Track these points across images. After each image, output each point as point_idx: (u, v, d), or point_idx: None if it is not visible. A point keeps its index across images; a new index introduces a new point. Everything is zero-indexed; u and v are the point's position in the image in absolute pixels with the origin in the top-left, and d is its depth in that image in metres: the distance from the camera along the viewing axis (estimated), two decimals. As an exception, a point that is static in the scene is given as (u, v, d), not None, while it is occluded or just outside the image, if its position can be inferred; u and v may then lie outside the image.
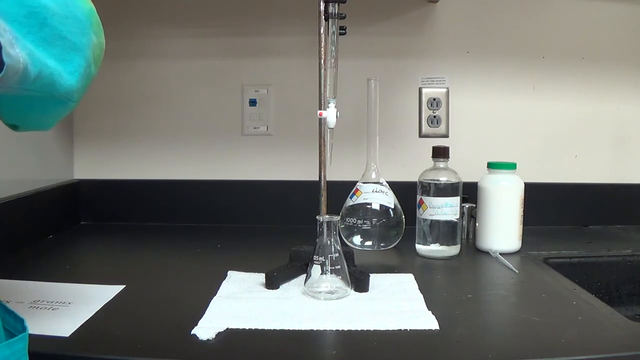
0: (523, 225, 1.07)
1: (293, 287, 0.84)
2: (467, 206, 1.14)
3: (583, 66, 1.31)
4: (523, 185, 1.06)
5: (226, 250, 1.10)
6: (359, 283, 0.82)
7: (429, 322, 0.70)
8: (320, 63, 0.88)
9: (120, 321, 0.71)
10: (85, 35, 0.54)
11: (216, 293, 0.80)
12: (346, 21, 0.88)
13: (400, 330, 0.67)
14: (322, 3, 0.86)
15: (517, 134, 1.31)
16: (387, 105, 1.25)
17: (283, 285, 0.84)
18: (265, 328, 0.68)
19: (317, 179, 0.92)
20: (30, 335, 0.61)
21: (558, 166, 1.32)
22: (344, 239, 1.08)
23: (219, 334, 0.65)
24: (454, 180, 1.02)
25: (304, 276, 0.82)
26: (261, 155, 1.32)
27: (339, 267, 0.80)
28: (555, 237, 1.19)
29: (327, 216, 0.81)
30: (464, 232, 1.15)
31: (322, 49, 0.88)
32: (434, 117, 1.31)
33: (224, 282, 0.85)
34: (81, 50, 0.53)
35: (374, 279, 0.84)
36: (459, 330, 0.68)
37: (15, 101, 0.52)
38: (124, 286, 0.83)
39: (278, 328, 0.68)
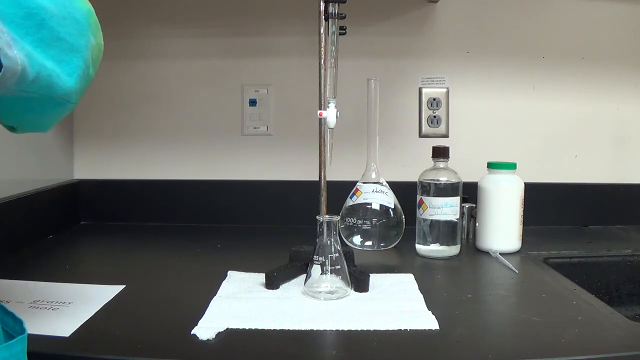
0: (523, 225, 1.07)
1: (293, 287, 0.84)
2: (467, 206, 1.14)
3: (583, 66, 1.31)
4: (523, 185, 1.06)
5: (226, 250, 1.10)
6: (359, 283, 0.82)
7: (429, 322, 0.70)
8: (320, 63, 0.88)
9: (120, 321, 0.71)
10: (83, 36, 0.54)
11: (216, 293, 0.80)
12: (346, 21, 0.88)
13: (400, 330, 0.67)
14: (322, 3, 0.86)
15: (517, 134, 1.31)
16: (387, 105, 1.25)
17: (283, 285, 0.84)
18: (265, 328, 0.68)
19: (317, 179, 0.92)
20: (30, 335, 0.61)
21: (558, 166, 1.32)
22: (344, 239, 1.08)
23: (219, 334, 0.65)
24: (454, 180, 1.02)
25: (304, 276, 0.82)
26: (261, 155, 1.32)
27: (339, 267, 0.80)
28: (555, 237, 1.19)
29: (327, 216, 0.81)
30: (464, 232, 1.15)
31: (322, 49, 0.88)
32: (434, 117, 1.31)
33: (224, 282, 0.85)
34: (79, 51, 0.53)
35: (374, 279, 0.84)
36: (459, 330, 0.68)
37: (13, 103, 0.52)
38: (124, 286, 0.83)
39: (278, 328, 0.68)
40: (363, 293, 0.81)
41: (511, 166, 1.06)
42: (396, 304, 0.76)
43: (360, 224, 1.07)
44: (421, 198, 1.03)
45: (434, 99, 1.30)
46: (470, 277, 0.96)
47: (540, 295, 0.82)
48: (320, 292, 0.79)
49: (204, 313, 0.72)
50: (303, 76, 1.21)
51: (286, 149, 1.31)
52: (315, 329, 0.68)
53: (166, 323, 0.71)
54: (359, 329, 0.67)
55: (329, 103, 0.88)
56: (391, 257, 1.05)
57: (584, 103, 1.31)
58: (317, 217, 0.82)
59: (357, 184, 1.11)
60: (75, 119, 1.32)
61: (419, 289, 0.83)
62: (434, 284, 0.89)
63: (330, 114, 0.87)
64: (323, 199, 0.91)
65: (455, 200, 1.02)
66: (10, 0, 0.46)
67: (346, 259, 0.82)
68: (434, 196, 1.01)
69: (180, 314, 0.73)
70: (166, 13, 1.30)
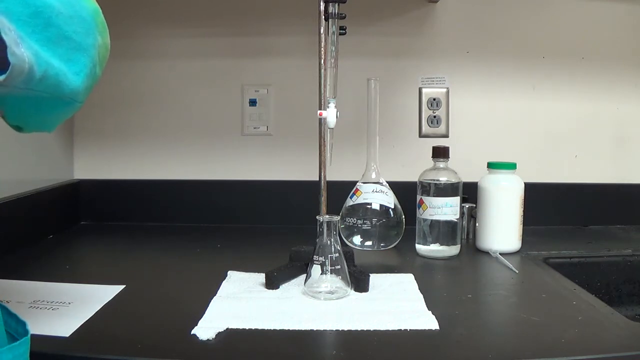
0: (523, 225, 1.07)
1: (293, 287, 0.84)
2: (467, 206, 1.14)
3: (583, 66, 1.31)
4: (523, 185, 1.06)
5: (226, 250, 1.10)
6: (359, 283, 0.82)
7: (429, 322, 0.70)
8: (320, 63, 0.88)
9: (120, 321, 0.71)
10: (90, 35, 0.54)
11: (216, 293, 0.80)
12: (346, 21, 0.88)
13: (400, 330, 0.67)
14: (322, 3, 0.86)
15: (517, 134, 1.31)
16: (387, 105, 1.25)
17: (283, 285, 0.84)
18: (265, 328, 0.68)
19: (317, 179, 0.92)
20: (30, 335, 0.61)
21: (558, 166, 1.32)
22: (344, 239, 1.08)
23: (219, 334, 0.65)
24: (454, 180, 1.02)
25: (304, 276, 0.82)
26: (261, 155, 1.32)
27: (339, 267, 0.80)
28: (555, 237, 1.19)
29: (327, 216, 0.81)
30: (464, 232, 1.15)
31: (322, 49, 0.88)
32: (434, 117, 1.31)
33: (224, 282, 0.85)
34: (86, 50, 0.53)
35: (374, 279, 0.84)
36: (459, 330, 0.68)
37: (21, 102, 0.52)
38: (124, 286, 0.83)
39: (278, 328, 0.68)
40: (363, 293, 0.81)
41: (511, 166, 1.06)
42: (396, 304, 0.76)
43: (360, 224, 1.07)
44: (421, 198, 1.03)
45: (434, 99, 1.30)
46: (470, 277, 0.96)
47: (540, 295, 0.82)
48: (320, 292, 0.79)
49: (204, 313, 0.72)
50: (303, 76, 1.21)
51: (286, 149, 1.31)
52: (315, 329, 0.68)
53: (166, 323, 0.71)
54: (359, 329, 0.67)
55: (329, 103, 0.88)
56: (391, 257, 1.05)
57: (584, 103, 1.31)
58: (317, 217, 0.82)
59: (357, 184, 1.11)
60: (76, 118, 1.32)
61: (419, 289, 0.83)
62: (434, 284, 0.89)
63: (330, 114, 0.87)
64: (323, 199, 0.91)
65: (455, 200, 1.02)
66: None
67: (346, 259, 0.82)
68: (434, 196, 1.01)
69: (180, 314, 0.73)
70: (166, 13, 1.30)
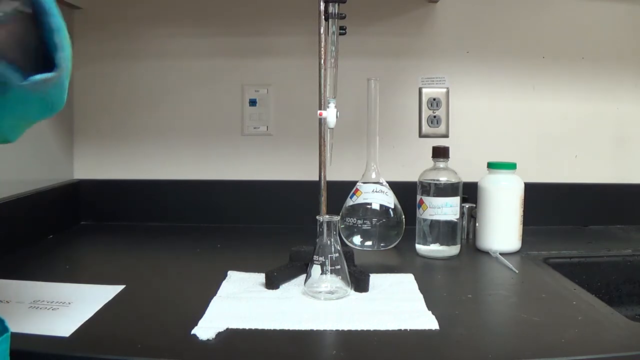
0: (523, 225, 1.07)
1: (293, 287, 0.84)
2: (467, 206, 1.14)
3: (583, 66, 1.31)
4: (523, 185, 1.06)
5: (226, 250, 1.10)
6: (359, 283, 0.82)
7: (429, 322, 0.70)
8: (320, 63, 0.88)
9: (120, 321, 0.71)
10: (68, 61, 0.55)
11: (216, 293, 0.80)
12: (346, 21, 0.88)
13: (400, 330, 0.67)
14: (322, 3, 0.86)
15: (517, 134, 1.31)
16: (387, 105, 1.25)
17: (283, 285, 0.84)
18: (265, 328, 0.68)
19: (317, 179, 0.92)
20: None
21: (558, 166, 1.32)
22: (344, 239, 1.08)
23: (219, 334, 0.65)
24: (454, 180, 1.02)
25: (304, 276, 0.82)
26: (261, 155, 1.32)
27: (339, 267, 0.80)
28: (555, 237, 1.19)
29: (327, 216, 0.81)
30: (464, 232, 1.15)
31: (322, 49, 0.88)
32: (434, 117, 1.31)
33: (224, 282, 0.85)
34: (67, 77, 0.55)
35: (374, 279, 0.84)
36: (459, 330, 0.68)
37: (10, 110, 0.52)
38: (124, 286, 0.83)
39: (278, 328, 0.68)
40: (363, 293, 0.81)
41: (511, 166, 1.06)
42: (396, 304, 0.76)
43: (360, 224, 1.07)
44: (421, 198, 1.03)
45: (434, 99, 1.30)
46: (470, 277, 0.96)
47: (540, 295, 0.82)
48: (320, 292, 0.79)
49: (204, 313, 0.72)
50: (303, 76, 1.21)
51: (286, 149, 1.31)
52: (315, 329, 0.68)
53: (166, 323, 0.71)
54: (359, 329, 0.67)
55: (329, 103, 0.88)
56: (391, 257, 1.05)
57: (584, 103, 1.31)
58: (317, 217, 0.82)
59: (357, 184, 1.11)
60: (75, 118, 1.32)
61: (419, 289, 0.83)
62: (434, 284, 0.89)
63: (330, 114, 0.87)
64: (323, 199, 0.91)
65: (455, 200, 1.02)
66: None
67: (346, 259, 0.82)
68: (434, 196, 1.01)
69: (180, 314, 0.73)
70: (166, 13, 1.30)
